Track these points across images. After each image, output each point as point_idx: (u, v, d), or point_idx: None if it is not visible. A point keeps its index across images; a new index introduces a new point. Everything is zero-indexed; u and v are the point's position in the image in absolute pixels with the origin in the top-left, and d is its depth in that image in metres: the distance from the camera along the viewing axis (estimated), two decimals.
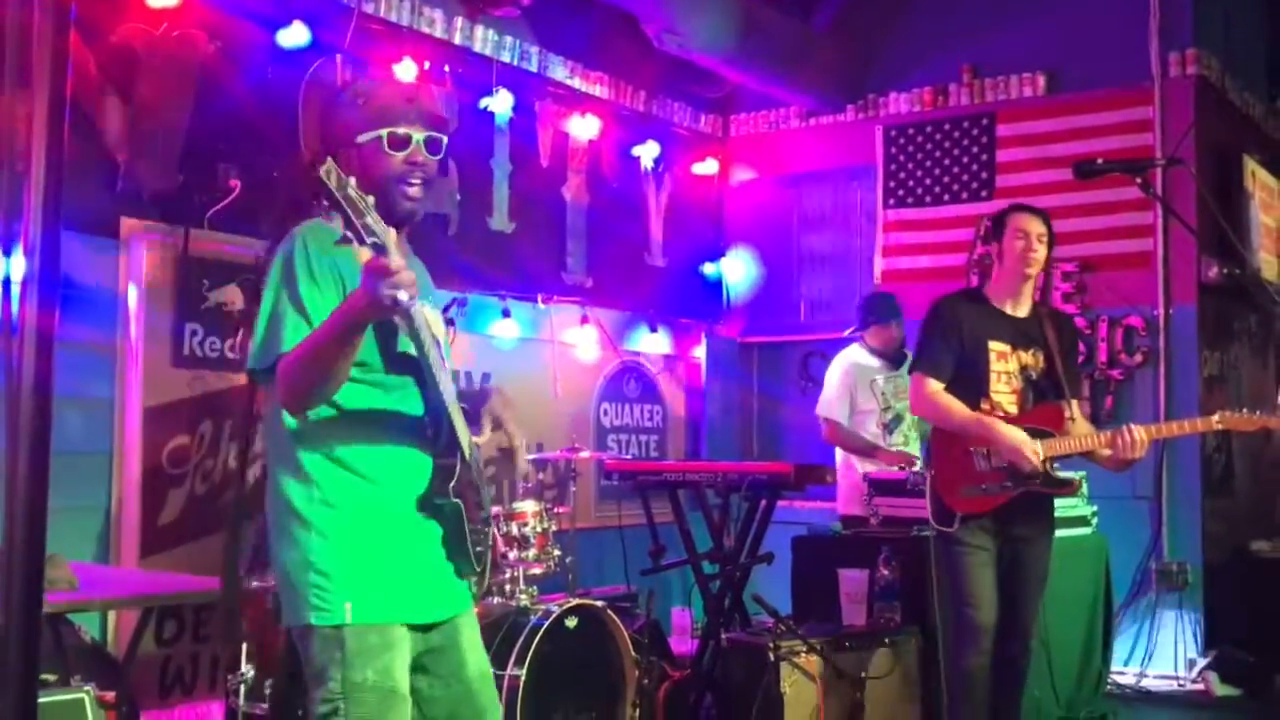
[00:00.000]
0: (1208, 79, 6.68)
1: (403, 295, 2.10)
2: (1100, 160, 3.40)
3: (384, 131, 2.48)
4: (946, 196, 7.21)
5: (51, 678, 3.12)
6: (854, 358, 5.87)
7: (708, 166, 7.92)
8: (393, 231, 2.17)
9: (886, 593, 4.62)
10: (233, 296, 5.02)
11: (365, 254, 2.08)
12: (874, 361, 5.79)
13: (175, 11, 4.85)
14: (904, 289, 6.13)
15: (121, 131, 4.76)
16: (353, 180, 2.08)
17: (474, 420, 2.60)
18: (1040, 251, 4.08)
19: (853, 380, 5.80)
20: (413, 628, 2.46)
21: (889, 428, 5.76)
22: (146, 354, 4.77)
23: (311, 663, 2.40)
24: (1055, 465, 4.03)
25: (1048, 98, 6.94)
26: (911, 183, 7.36)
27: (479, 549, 2.54)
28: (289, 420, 2.40)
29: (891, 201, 7.42)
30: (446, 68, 6.11)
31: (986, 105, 7.15)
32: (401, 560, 2.44)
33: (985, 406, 4.03)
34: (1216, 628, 6.37)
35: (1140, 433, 3.88)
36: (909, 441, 5.73)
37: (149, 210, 4.84)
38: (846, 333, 6.07)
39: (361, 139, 2.49)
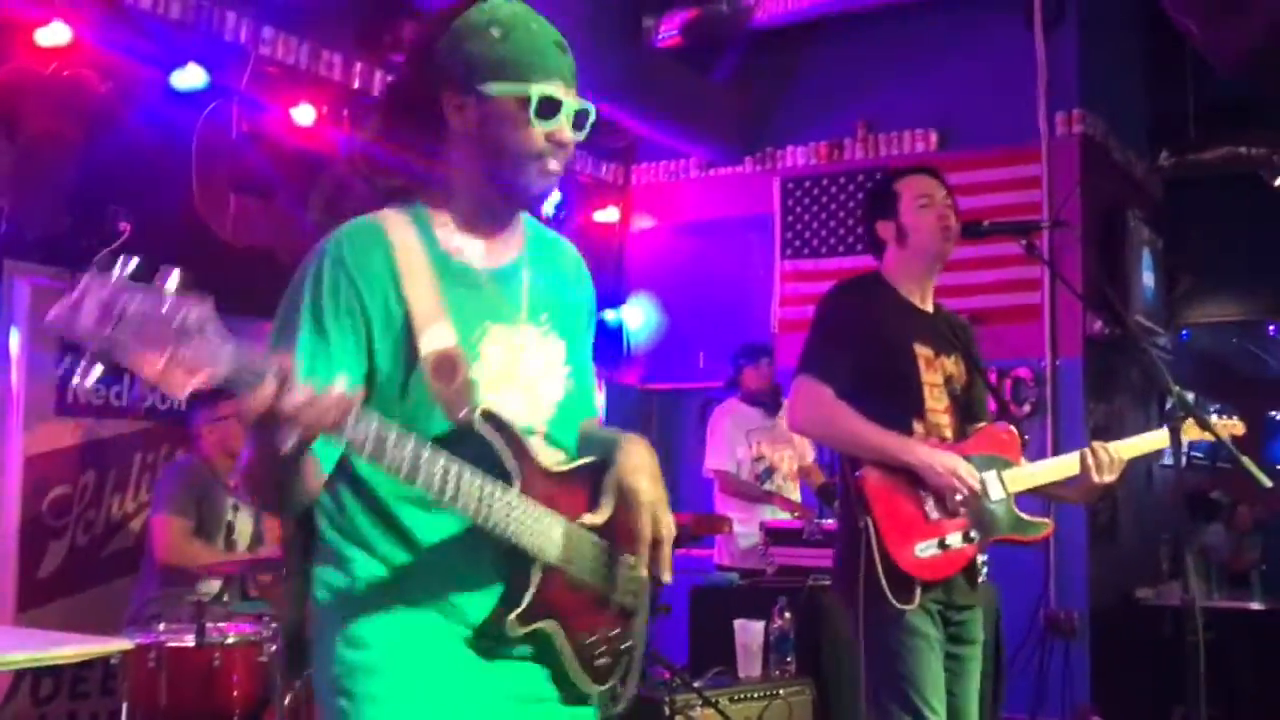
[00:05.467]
0: (1092, 138, 6.89)
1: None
2: (986, 223, 3.37)
3: (533, 91, 1.81)
4: (842, 249, 7.32)
5: None
6: (732, 408, 6.06)
7: (609, 214, 7.94)
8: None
9: (781, 643, 4.63)
10: None
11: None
12: (750, 410, 5.97)
13: (66, 50, 4.75)
14: (801, 339, 6.18)
15: (6, 172, 4.65)
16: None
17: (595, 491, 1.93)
18: (953, 219, 3.28)
19: (732, 429, 5.94)
20: None
21: (760, 479, 5.87)
22: (28, 400, 4.63)
23: None
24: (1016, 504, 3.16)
25: (939, 154, 7.09)
26: (808, 234, 7.46)
27: (601, 661, 1.92)
28: (321, 497, 1.84)
29: (789, 252, 7.52)
30: (345, 111, 6.05)
31: (880, 160, 7.27)
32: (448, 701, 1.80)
33: (920, 430, 3.11)
34: (1104, 674, 6.49)
35: (1115, 450, 3.10)
36: (784, 491, 5.85)
37: (34, 252, 4.72)
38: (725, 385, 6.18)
39: (493, 90, 1.81)
